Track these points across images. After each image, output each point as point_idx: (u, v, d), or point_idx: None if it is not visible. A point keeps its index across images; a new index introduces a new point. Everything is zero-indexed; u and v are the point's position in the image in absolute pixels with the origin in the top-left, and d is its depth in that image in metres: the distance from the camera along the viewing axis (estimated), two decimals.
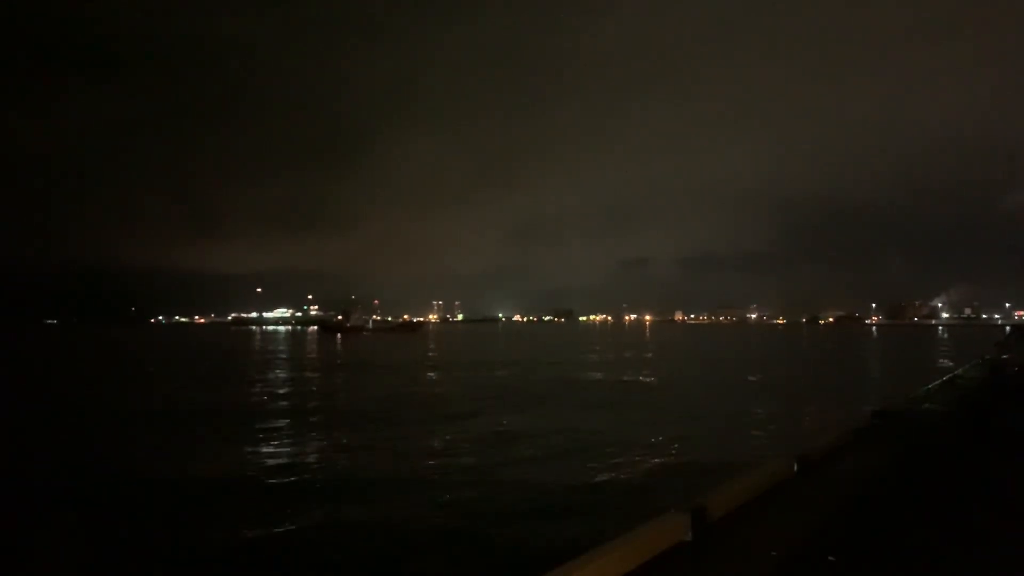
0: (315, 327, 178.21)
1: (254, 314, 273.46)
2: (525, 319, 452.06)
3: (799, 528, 4.73)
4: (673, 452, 16.24)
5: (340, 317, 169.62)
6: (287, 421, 21.04)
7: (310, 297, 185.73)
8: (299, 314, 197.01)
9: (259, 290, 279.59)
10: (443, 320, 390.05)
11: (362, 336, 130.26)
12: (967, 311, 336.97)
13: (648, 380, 36.43)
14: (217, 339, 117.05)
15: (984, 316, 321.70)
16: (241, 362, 54.68)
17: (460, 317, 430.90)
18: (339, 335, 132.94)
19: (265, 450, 16.54)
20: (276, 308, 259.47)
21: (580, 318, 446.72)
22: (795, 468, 6.23)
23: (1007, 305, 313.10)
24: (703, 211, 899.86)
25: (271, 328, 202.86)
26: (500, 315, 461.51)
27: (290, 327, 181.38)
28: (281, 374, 40.74)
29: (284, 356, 62.55)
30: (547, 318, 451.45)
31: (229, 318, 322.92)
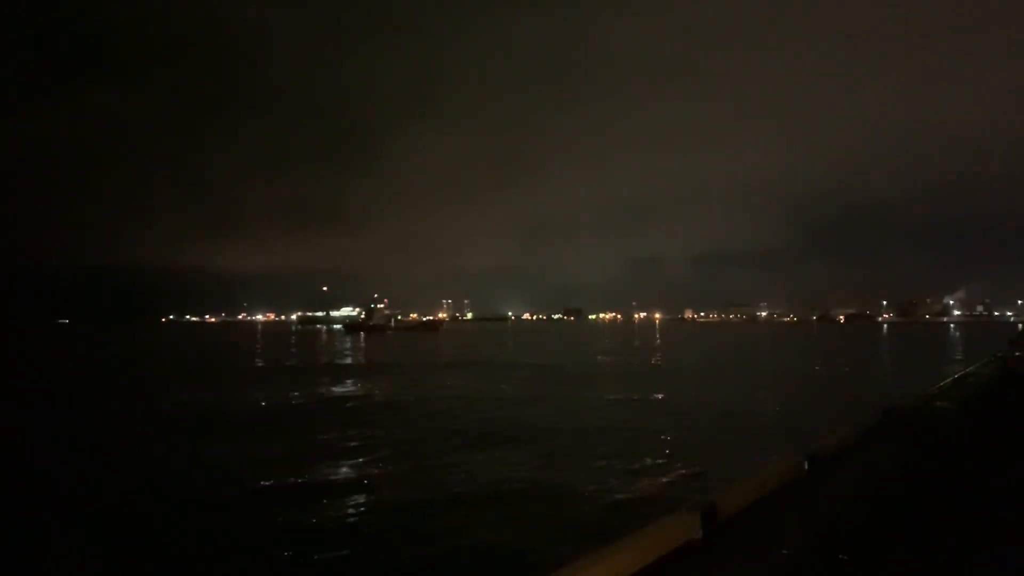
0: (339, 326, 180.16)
1: (320, 313, 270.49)
2: (535, 317, 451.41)
3: (810, 526, 4.72)
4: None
5: (363, 316, 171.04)
6: None
7: (376, 295, 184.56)
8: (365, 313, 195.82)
9: (325, 288, 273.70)
10: (452, 319, 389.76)
11: (386, 335, 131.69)
12: (979, 308, 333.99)
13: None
14: (248, 339, 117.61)
15: (996, 313, 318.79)
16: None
17: (469, 316, 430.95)
18: (362, 333, 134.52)
19: None
20: (343, 307, 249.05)
21: (590, 316, 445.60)
22: (806, 466, 6.21)
23: (1020, 302, 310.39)
24: (716, 209, 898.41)
25: (338, 327, 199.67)
26: (509, 313, 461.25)
27: None
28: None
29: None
30: (556, 316, 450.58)
31: (293, 316, 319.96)
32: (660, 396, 28.00)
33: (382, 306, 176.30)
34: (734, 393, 29.63)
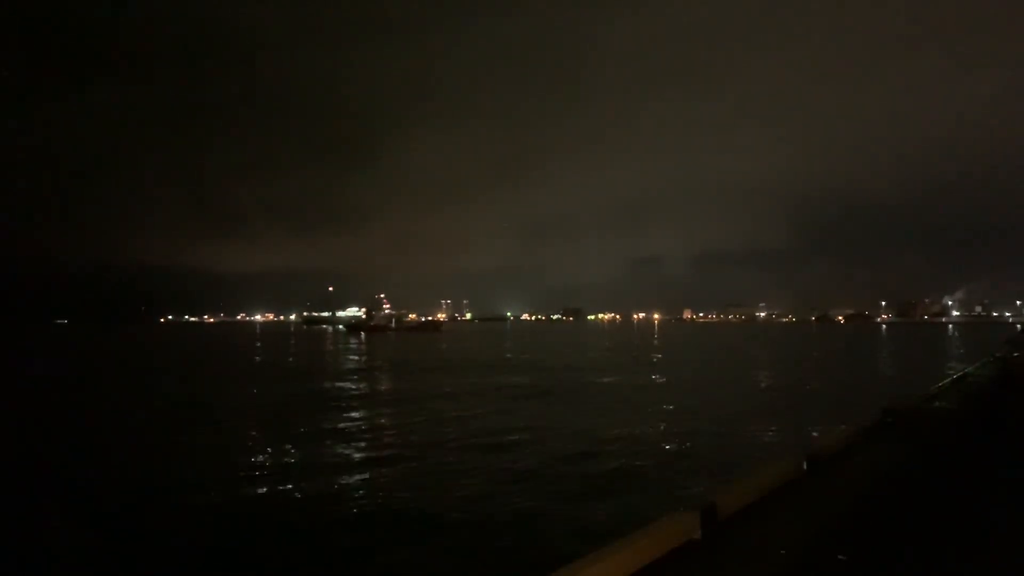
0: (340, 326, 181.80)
1: (325, 313, 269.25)
2: (534, 318, 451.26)
3: (809, 527, 4.71)
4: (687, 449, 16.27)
5: (364, 315, 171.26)
6: None
7: (382, 296, 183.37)
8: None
9: (331, 288, 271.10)
10: (451, 319, 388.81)
11: (386, 335, 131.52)
12: (978, 309, 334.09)
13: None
14: (251, 340, 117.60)
15: (995, 314, 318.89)
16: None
17: (468, 316, 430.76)
18: (363, 334, 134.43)
19: None
20: (349, 307, 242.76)
21: (589, 317, 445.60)
22: (805, 467, 6.20)
23: (1019, 303, 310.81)
24: (716, 209, 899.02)
25: (342, 327, 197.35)
26: (508, 314, 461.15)
27: None
28: None
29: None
30: (556, 317, 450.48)
31: (293, 317, 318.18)
32: (663, 402, 28.04)
33: (386, 306, 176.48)
34: (732, 392, 29.64)
